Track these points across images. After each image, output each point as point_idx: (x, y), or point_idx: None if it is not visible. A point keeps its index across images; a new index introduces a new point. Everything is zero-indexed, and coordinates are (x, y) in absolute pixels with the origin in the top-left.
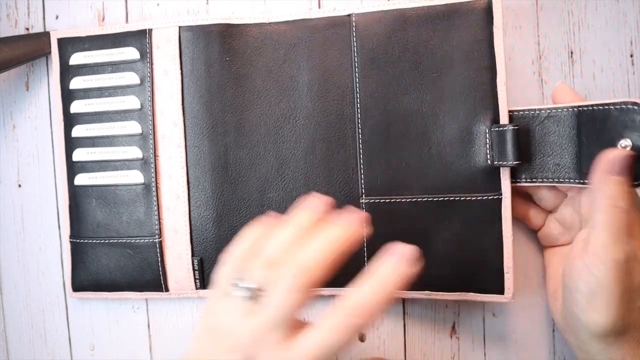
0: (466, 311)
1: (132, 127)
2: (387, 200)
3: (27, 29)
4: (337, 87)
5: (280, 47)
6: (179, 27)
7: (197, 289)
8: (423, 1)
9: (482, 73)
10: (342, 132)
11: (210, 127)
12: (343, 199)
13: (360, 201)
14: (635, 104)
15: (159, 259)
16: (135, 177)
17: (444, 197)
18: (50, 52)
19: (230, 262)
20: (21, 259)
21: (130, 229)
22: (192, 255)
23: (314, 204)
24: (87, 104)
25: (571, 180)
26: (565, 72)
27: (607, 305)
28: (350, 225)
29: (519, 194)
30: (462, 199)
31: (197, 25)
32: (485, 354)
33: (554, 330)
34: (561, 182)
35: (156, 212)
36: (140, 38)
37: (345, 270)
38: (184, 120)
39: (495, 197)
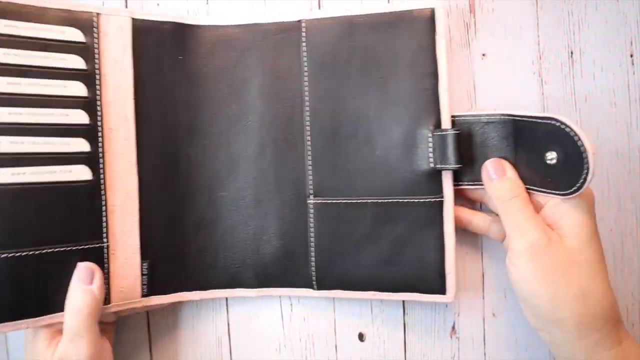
0: (466, 311)
1: (78, 116)
2: (334, 202)
3: None
4: (287, 90)
5: (233, 50)
6: (132, 18)
7: (143, 296)
8: (371, 9)
9: (425, 79)
10: (291, 135)
11: (162, 123)
12: (292, 199)
13: (308, 202)
14: (557, 120)
15: (105, 267)
16: (80, 173)
17: (389, 199)
18: None
19: None
20: None
21: (68, 234)
22: (142, 258)
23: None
24: (9, 83)
25: None
26: (565, 72)
27: (537, 287)
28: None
29: (462, 200)
30: (406, 201)
31: (151, 20)
32: (485, 354)
33: None
34: None
35: (103, 213)
36: (86, 21)
37: (293, 270)
38: (136, 114)
39: (437, 200)
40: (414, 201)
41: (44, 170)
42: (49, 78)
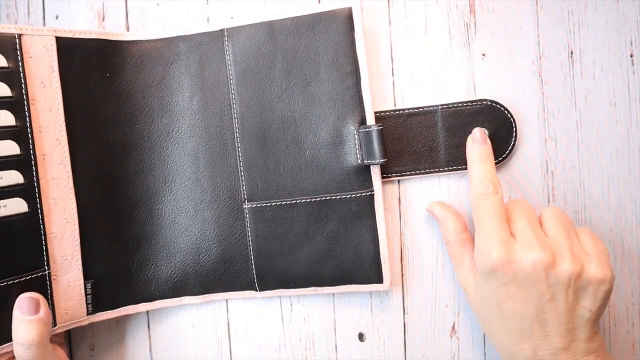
0: (466, 311)
1: (8, 147)
2: (268, 205)
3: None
4: (215, 99)
5: (158, 64)
6: (56, 37)
7: (89, 314)
8: (290, 12)
9: (347, 78)
10: (222, 142)
11: (95, 143)
12: (228, 206)
13: (244, 207)
14: (484, 100)
15: (49, 292)
16: (16, 206)
17: (321, 198)
18: None
19: None
20: None
21: (8, 267)
22: (85, 279)
23: None
24: None
25: (437, 170)
26: (565, 72)
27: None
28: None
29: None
30: (338, 197)
31: (75, 38)
32: (485, 354)
33: None
34: (429, 173)
35: (42, 243)
36: (7, 43)
37: (235, 275)
38: (68, 137)
39: (368, 194)
40: (345, 197)
41: None
42: None
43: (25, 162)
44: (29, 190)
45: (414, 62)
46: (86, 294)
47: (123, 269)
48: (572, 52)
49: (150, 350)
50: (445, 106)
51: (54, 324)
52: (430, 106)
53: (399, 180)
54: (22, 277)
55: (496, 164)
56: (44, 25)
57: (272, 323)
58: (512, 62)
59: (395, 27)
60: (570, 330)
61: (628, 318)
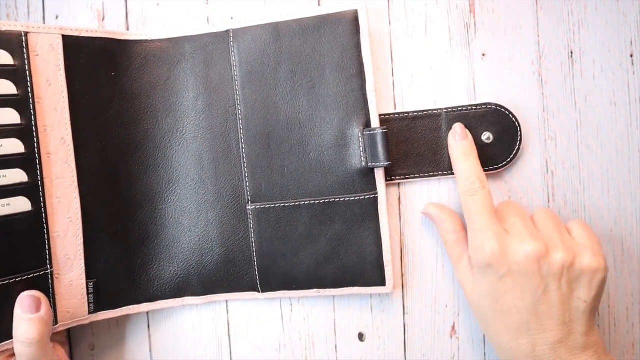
0: (466, 311)
1: (13, 145)
2: (272, 206)
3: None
4: (220, 100)
5: (164, 64)
6: (63, 35)
7: (90, 313)
8: (296, 14)
9: (352, 80)
10: (227, 143)
11: (100, 143)
12: (231, 207)
13: (248, 208)
14: (489, 104)
15: (50, 291)
16: (20, 205)
17: (325, 200)
18: None
19: None
20: None
21: (11, 266)
22: (87, 278)
23: None
24: None
25: (441, 173)
26: (565, 72)
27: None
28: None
29: None
30: (341, 200)
31: (82, 37)
32: (485, 354)
33: None
34: (433, 176)
35: (46, 242)
36: (14, 41)
37: (238, 275)
38: (73, 136)
39: (372, 196)
40: (349, 199)
41: None
42: None
43: (29, 161)
44: (33, 189)
45: (414, 62)
46: (88, 293)
47: (126, 269)
48: (572, 52)
49: (150, 350)
50: (450, 110)
51: (55, 322)
52: (434, 109)
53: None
54: (24, 276)
55: (499, 169)
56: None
57: (272, 323)
58: (512, 62)
59: (395, 27)
60: (566, 323)
61: (628, 318)
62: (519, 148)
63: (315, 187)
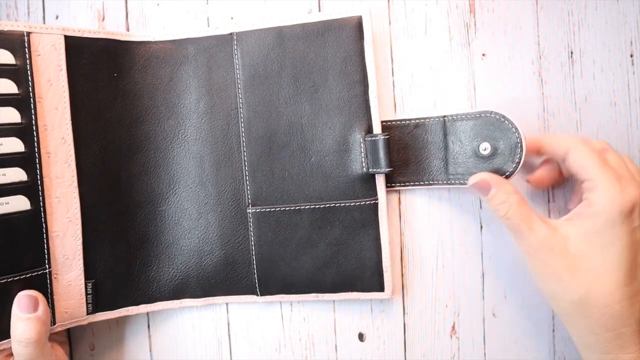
0: (466, 311)
1: (12, 144)
2: (272, 210)
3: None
4: (222, 102)
5: (166, 66)
6: (65, 36)
7: (88, 313)
8: (300, 19)
9: (355, 86)
10: (228, 146)
11: (101, 143)
12: (232, 210)
13: (248, 211)
14: (492, 112)
15: (48, 291)
16: (19, 204)
17: (325, 205)
18: None
19: None
20: None
21: (9, 265)
22: (86, 278)
23: None
24: None
25: (440, 182)
26: (565, 72)
27: (539, 283)
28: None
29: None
30: (342, 205)
31: (84, 37)
32: (485, 354)
33: (553, 330)
34: (432, 184)
35: (44, 241)
36: (16, 41)
37: (237, 279)
38: (74, 136)
39: (372, 202)
40: (349, 204)
41: None
42: None
43: (29, 160)
44: (32, 188)
45: (414, 62)
46: (87, 294)
47: (125, 270)
48: (572, 52)
49: (151, 350)
50: (451, 117)
51: (53, 322)
52: (436, 117)
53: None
54: (22, 275)
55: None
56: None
57: (272, 323)
58: (512, 62)
59: (395, 27)
60: None
61: None
62: (520, 157)
63: (315, 192)
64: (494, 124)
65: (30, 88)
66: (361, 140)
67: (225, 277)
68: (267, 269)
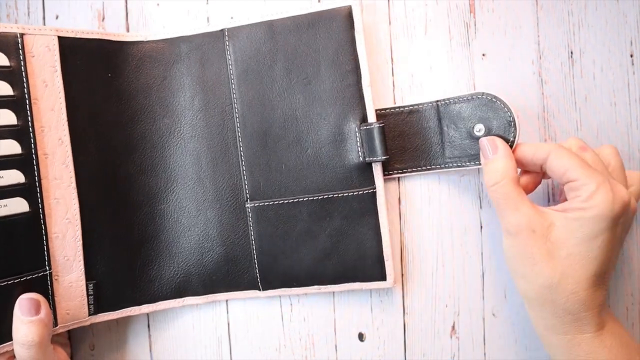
0: (466, 311)
1: (9, 146)
2: (270, 203)
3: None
4: (216, 99)
5: (160, 65)
6: (59, 37)
7: (90, 314)
8: (290, 12)
9: (348, 75)
10: (224, 142)
11: (98, 143)
12: (230, 205)
13: (247, 206)
14: (484, 94)
15: (50, 292)
16: (17, 206)
17: (323, 196)
18: None
19: None
20: None
21: (9, 267)
22: (87, 279)
23: None
24: None
25: (438, 166)
26: (565, 72)
27: (511, 264)
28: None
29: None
30: (340, 195)
31: (78, 38)
32: (485, 354)
33: None
34: (430, 169)
35: (44, 243)
36: (9, 42)
37: (238, 274)
38: (71, 137)
39: (370, 191)
40: (347, 194)
41: None
42: None
43: (26, 162)
44: (31, 190)
45: (414, 62)
46: (88, 295)
47: (126, 270)
48: (572, 52)
49: (151, 350)
50: (444, 102)
51: (55, 324)
52: (429, 102)
53: (399, 179)
54: (22, 277)
55: None
56: (44, 25)
57: (272, 323)
58: (512, 62)
59: (395, 26)
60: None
61: (628, 318)
62: (515, 133)
63: (313, 184)
64: (486, 105)
65: (25, 89)
66: (356, 130)
67: (226, 273)
68: (268, 263)
